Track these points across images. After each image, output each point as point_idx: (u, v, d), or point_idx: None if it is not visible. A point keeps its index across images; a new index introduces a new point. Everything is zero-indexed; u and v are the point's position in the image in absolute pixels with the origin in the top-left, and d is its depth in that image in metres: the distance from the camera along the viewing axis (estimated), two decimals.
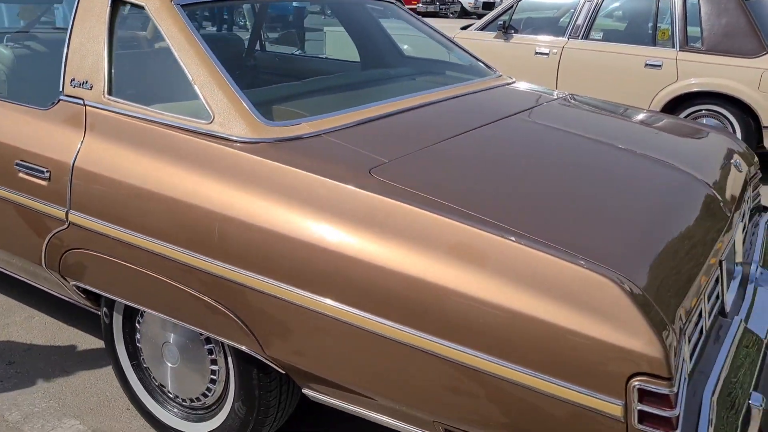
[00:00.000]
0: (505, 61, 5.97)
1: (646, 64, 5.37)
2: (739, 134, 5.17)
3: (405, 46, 3.24)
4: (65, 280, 2.13)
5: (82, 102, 2.04)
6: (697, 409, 1.43)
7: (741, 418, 1.51)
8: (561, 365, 1.33)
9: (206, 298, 1.78)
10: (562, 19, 6.01)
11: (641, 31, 5.55)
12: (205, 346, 1.97)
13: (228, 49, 2.73)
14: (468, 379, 1.44)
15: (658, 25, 5.45)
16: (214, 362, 1.98)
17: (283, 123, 1.86)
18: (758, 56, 5.01)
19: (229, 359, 1.92)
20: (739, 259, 2.18)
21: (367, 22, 3.09)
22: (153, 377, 2.16)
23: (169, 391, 2.13)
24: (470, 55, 3.06)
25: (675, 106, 5.35)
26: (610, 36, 5.71)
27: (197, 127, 1.84)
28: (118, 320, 2.17)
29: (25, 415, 2.27)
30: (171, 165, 1.82)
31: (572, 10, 5.81)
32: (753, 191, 2.62)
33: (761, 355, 1.76)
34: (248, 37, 3.17)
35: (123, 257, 1.91)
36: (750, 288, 2.10)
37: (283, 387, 1.92)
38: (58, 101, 2.09)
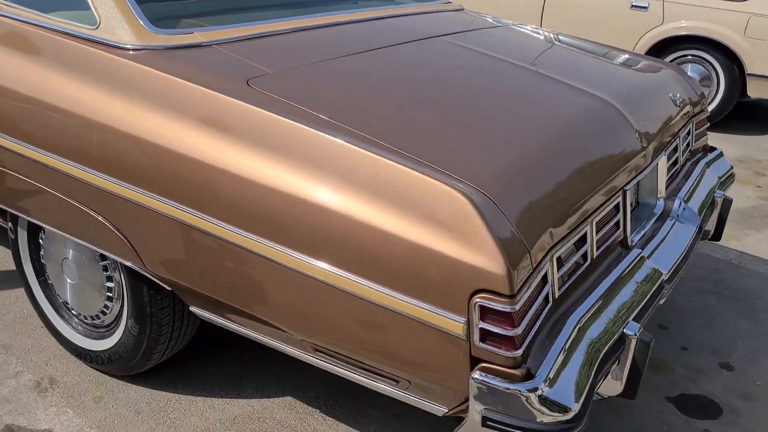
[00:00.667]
0: (494, 2, 5.78)
1: (632, 6, 5.18)
2: (722, 82, 5.01)
3: None
4: None
5: None
6: (557, 334, 1.38)
7: (611, 348, 1.46)
8: (406, 279, 1.28)
9: (90, 212, 1.74)
10: None
11: None
12: (101, 263, 1.94)
13: None
14: (321, 294, 1.40)
15: None
16: (110, 279, 1.95)
17: (172, 31, 1.78)
18: (746, 0, 4.82)
19: (122, 276, 1.88)
20: (661, 194, 2.11)
21: None
22: (58, 294, 2.14)
23: (72, 308, 2.11)
24: None
25: (661, 50, 5.18)
26: None
27: (83, 33, 1.77)
28: (23, 236, 2.13)
29: None
30: (56, 72, 1.75)
31: None
32: (697, 130, 2.52)
33: (654, 289, 1.70)
34: None
35: (15, 168, 1.87)
36: (669, 223, 2.03)
37: (177, 306, 1.89)
38: None
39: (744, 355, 2.46)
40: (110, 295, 1.97)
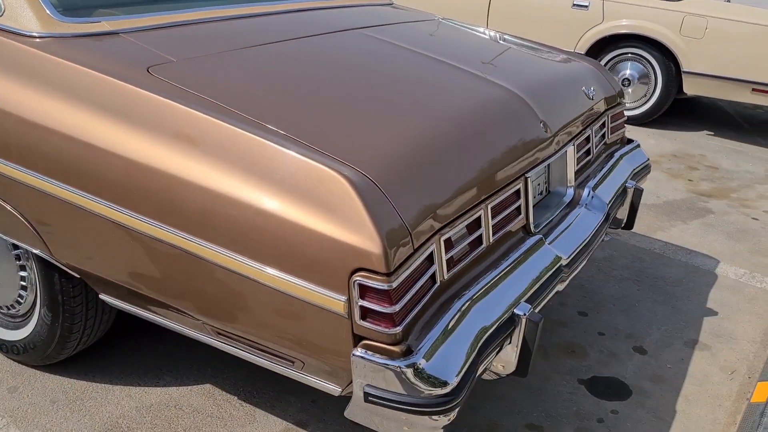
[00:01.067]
0: (440, 0, 5.85)
1: (574, 5, 5.29)
2: (660, 79, 5.15)
3: None
4: None
5: None
6: (443, 313, 1.43)
7: (501, 327, 1.52)
8: (289, 259, 1.32)
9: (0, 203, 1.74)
10: None
11: None
12: (13, 252, 1.94)
13: None
14: (211, 276, 1.43)
15: None
16: (22, 268, 1.95)
17: (80, 19, 1.79)
18: None
19: (34, 264, 1.88)
20: (571, 182, 2.18)
21: None
22: None
23: None
24: None
25: (601, 48, 5.31)
26: None
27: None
28: None
29: None
30: None
31: None
32: (612, 123, 2.60)
33: (551, 273, 1.76)
34: None
35: None
36: (576, 211, 2.11)
37: (89, 295, 1.90)
38: None
39: (658, 339, 2.56)
40: (24, 284, 1.97)
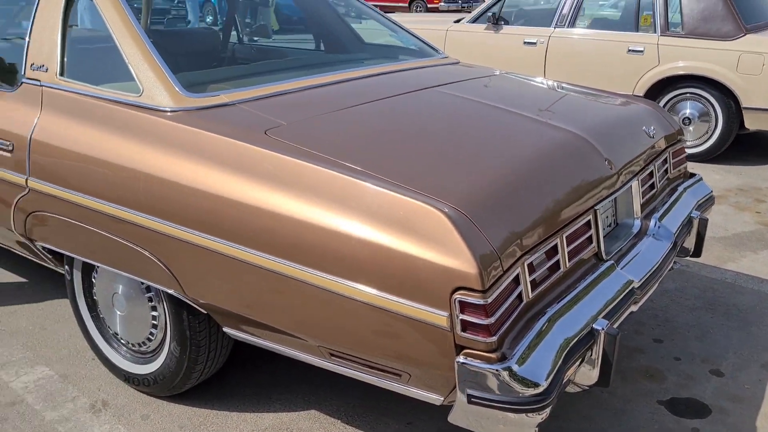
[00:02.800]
0: (496, 51, 6.16)
1: (629, 50, 5.50)
2: (720, 117, 5.26)
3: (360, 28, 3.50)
4: (32, 242, 2.43)
5: (39, 83, 2.34)
6: (531, 326, 1.63)
7: (582, 339, 1.70)
8: (398, 283, 1.56)
9: (136, 247, 2.05)
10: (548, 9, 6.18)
11: (625, 18, 5.68)
12: (146, 294, 2.25)
13: (170, 35, 2.99)
14: (334, 303, 1.68)
15: (641, 11, 5.57)
16: (154, 309, 2.25)
17: (202, 94, 2.12)
18: (736, 38, 5.11)
19: (165, 304, 2.18)
20: (637, 214, 2.36)
21: (321, 7, 3.36)
22: (108, 326, 2.44)
23: (120, 338, 2.41)
24: (417, 38, 3.29)
25: (659, 90, 5.47)
26: (594, 24, 5.86)
27: (130, 100, 2.12)
28: (77, 276, 2.46)
29: (1, 363, 2.58)
30: (108, 133, 2.10)
31: (559, 0, 5.97)
32: (674, 159, 2.78)
33: (625, 294, 1.94)
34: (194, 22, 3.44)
35: (72, 216, 2.20)
36: (645, 240, 2.28)
37: (212, 329, 2.18)
38: (21, 83, 2.39)
39: (734, 362, 2.66)
40: (155, 323, 2.27)
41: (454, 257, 1.51)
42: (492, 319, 1.50)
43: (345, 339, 1.72)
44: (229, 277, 1.89)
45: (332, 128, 1.99)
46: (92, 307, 2.47)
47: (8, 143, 2.34)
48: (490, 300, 1.50)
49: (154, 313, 2.25)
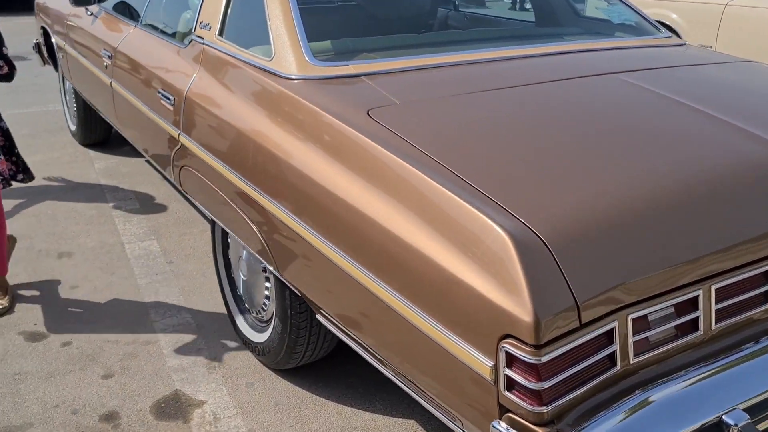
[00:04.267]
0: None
1: None
2: None
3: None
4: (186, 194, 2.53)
5: (202, 41, 2.38)
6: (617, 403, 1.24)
7: None
8: (446, 310, 1.27)
9: (244, 216, 1.99)
10: None
11: None
12: (261, 264, 2.20)
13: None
14: (397, 323, 1.44)
15: None
16: (267, 279, 2.20)
17: (329, 63, 1.97)
18: None
19: (272, 278, 2.11)
20: None
21: None
22: (237, 287, 2.46)
23: (245, 301, 2.42)
24: (637, 12, 2.78)
25: None
26: None
27: (262, 64, 2.04)
28: (218, 233, 2.50)
29: (156, 302, 2.76)
30: (238, 98, 2.06)
31: None
32: None
33: None
34: None
35: (204, 174, 2.22)
36: None
37: (313, 314, 2.06)
38: (191, 41, 2.46)
39: None
40: (267, 294, 2.22)
41: (509, 294, 1.17)
42: (545, 384, 1.14)
43: (397, 357, 1.48)
44: (311, 265, 1.74)
45: (447, 113, 1.71)
46: (227, 266, 2.51)
47: (172, 98, 2.44)
48: (545, 359, 1.14)
49: (267, 284, 2.20)
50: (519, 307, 1.15)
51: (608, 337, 1.25)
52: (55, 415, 2.13)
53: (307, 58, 1.96)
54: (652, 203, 1.39)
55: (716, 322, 1.41)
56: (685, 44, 2.68)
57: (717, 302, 1.40)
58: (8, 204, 3.67)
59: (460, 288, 1.25)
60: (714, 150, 1.60)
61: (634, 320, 1.28)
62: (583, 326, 1.20)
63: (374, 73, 1.95)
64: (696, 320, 1.38)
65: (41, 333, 2.54)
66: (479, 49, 2.19)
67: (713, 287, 1.39)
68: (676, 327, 1.36)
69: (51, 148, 4.60)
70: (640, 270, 1.28)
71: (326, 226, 1.62)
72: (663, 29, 2.75)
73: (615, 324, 1.25)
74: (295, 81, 1.93)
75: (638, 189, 1.41)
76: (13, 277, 2.90)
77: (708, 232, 1.40)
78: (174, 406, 2.18)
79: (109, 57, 3.10)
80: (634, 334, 1.28)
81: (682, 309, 1.37)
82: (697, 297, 1.37)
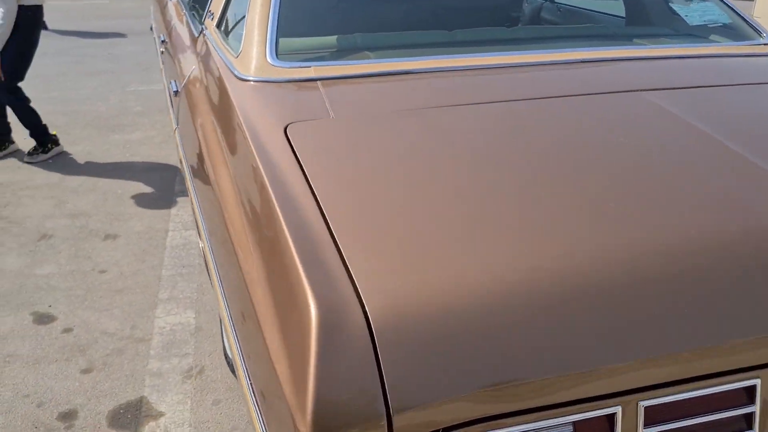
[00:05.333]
0: None
1: None
2: None
3: None
4: None
5: (205, 31, 2.24)
6: None
7: None
8: (255, 377, 1.02)
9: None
10: None
11: None
12: None
13: None
14: None
15: None
16: None
17: (290, 64, 1.73)
18: None
19: None
20: None
21: None
22: None
23: None
24: (735, 12, 2.25)
25: None
26: None
27: (229, 61, 1.85)
28: None
29: (169, 298, 2.70)
30: (205, 99, 1.89)
31: None
32: None
33: None
34: None
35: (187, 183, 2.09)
36: None
37: None
38: (201, 30, 2.33)
39: None
40: None
41: (295, 389, 0.90)
42: None
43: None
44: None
45: (375, 136, 1.41)
46: None
47: (176, 89, 2.33)
48: None
49: None
50: (299, 406, 0.87)
51: None
52: (21, 405, 2.12)
53: (268, 57, 1.74)
54: (551, 296, 1.02)
55: None
56: None
57: (647, 425, 1.02)
58: (85, 180, 3.82)
59: (266, 352, 0.99)
60: (713, 208, 1.18)
61: None
62: None
63: (336, 78, 1.69)
64: None
65: (50, 316, 2.58)
66: (490, 53, 1.84)
67: (641, 404, 1.01)
68: None
69: (151, 127, 4.76)
70: (514, 378, 0.94)
71: (213, 243, 1.42)
72: (766, 33, 2.20)
73: None
74: (251, 83, 1.71)
75: (542, 275, 1.04)
76: (54, 255, 2.99)
77: (660, 329, 1.01)
78: (131, 414, 2.09)
79: (162, 42, 3.07)
80: None
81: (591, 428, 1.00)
82: (614, 415, 1.00)
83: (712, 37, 2.19)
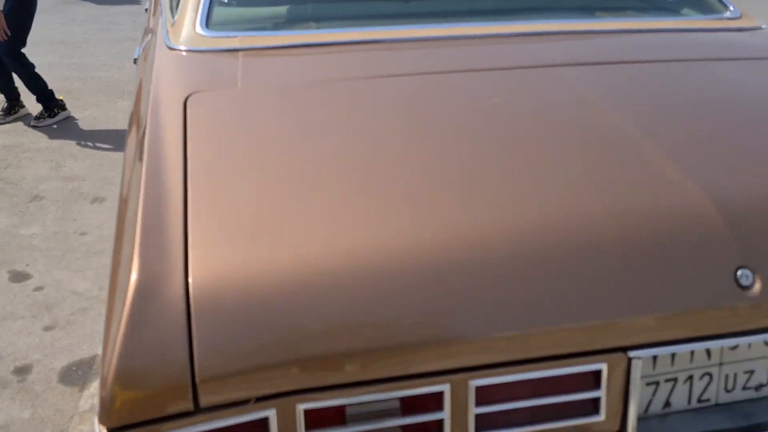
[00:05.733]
0: None
1: None
2: None
3: None
4: None
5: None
6: None
7: None
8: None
9: None
10: None
11: None
12: None
13: None
14: None
15: None
16: None
17: (218, 34, 1.74)
18: None
19: None
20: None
21: None
22: None
23: None
24: None
25: None
26: None
27: (165, 31, 1.87)
28: None
29: None
30: (145, 62, 1.91)
31: None
32: None
33: None
34: None
35: None
36: None
37: None
38: None
39: None
40: None
41: (106, 351, 0.93)
42: None
43: None
44: None
45: (276, 107, 1.42)
46: None
47: (137, 55, 2.36)
48: None
49: None
50: (106, 372, 0.90)
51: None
52: None
53: (198, 26, 1.75)
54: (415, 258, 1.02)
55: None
56: (761, 27, 2.03)
57: (478, 405, 1.02)
58: (85, 145, 3.92)
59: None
60: (608, 196, 1.15)
61: (307, 412, 0.96)
62: (200, 411, 0.92)
63: (259, 48, 1.69)
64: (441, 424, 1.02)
65: (25, 274, 2.68)
66: (444, 24, 1.80)
67: (471, 383, 1.01)
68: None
69: None
70: (312, 351, 0.95)
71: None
72: (734, 7, 2.11)
73: (270, 413, 0.94)
74: (178, 52, 1.73)
75: (376, 252, 1.04)
76: (41, 216, 3.10)
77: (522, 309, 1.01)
78: (82, 371, 2.18)
79: (146, 11, 3.11)
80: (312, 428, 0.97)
81: (415, 405, 1.01)
82: (442, 393, 1.00)
83: (682, 11, 2.11)
